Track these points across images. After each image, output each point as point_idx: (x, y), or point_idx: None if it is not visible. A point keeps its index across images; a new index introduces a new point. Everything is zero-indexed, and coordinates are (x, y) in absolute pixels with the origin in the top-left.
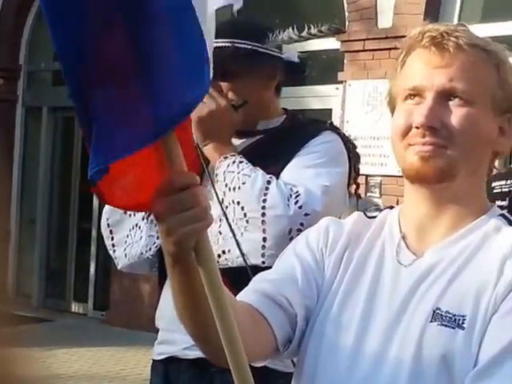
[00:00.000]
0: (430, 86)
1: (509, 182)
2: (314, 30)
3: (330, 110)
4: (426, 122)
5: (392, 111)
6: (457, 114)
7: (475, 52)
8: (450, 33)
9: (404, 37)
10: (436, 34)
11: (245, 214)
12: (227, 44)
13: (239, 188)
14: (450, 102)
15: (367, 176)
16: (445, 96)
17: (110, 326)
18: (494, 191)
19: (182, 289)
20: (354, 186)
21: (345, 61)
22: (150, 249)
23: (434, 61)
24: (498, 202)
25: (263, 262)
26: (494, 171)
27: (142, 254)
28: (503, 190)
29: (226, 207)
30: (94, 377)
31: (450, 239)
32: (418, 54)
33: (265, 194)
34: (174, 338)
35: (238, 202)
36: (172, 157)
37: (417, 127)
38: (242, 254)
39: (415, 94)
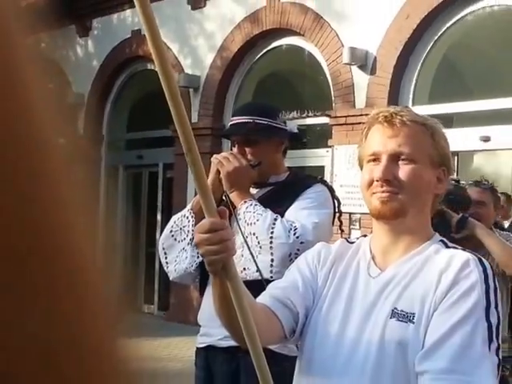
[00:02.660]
0: (385, 151)
1: None
2: (310, 114)
3: (323, 166)
4: (382, 176)
5: (361, 168)
6: (404, 169)
7: (416, 125)
8: (396, 113)
9: None
10: (387, 114)
11: (258, 242)
12: (249, 120)
13: (254, 223)
14: (399, 162)
15: (350, 213)
16: (395, 157)
17: (169, 322)
18: None
19: (219, 295)
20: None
21: (333, 131)
22: (192, 265)
23: (387, 132)
24: None
25: (271, 277)
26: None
27: (186, 268)
28: None
29: (246, 237)
30: (158, 358)
31: (404, 258)
32: (375, 128)
33: (272, 228)
34: (211, 332)
35: (254, 233)
36: (208, 208)
37: (377, 180)
38: (258, 270)
39: (375, 157)
